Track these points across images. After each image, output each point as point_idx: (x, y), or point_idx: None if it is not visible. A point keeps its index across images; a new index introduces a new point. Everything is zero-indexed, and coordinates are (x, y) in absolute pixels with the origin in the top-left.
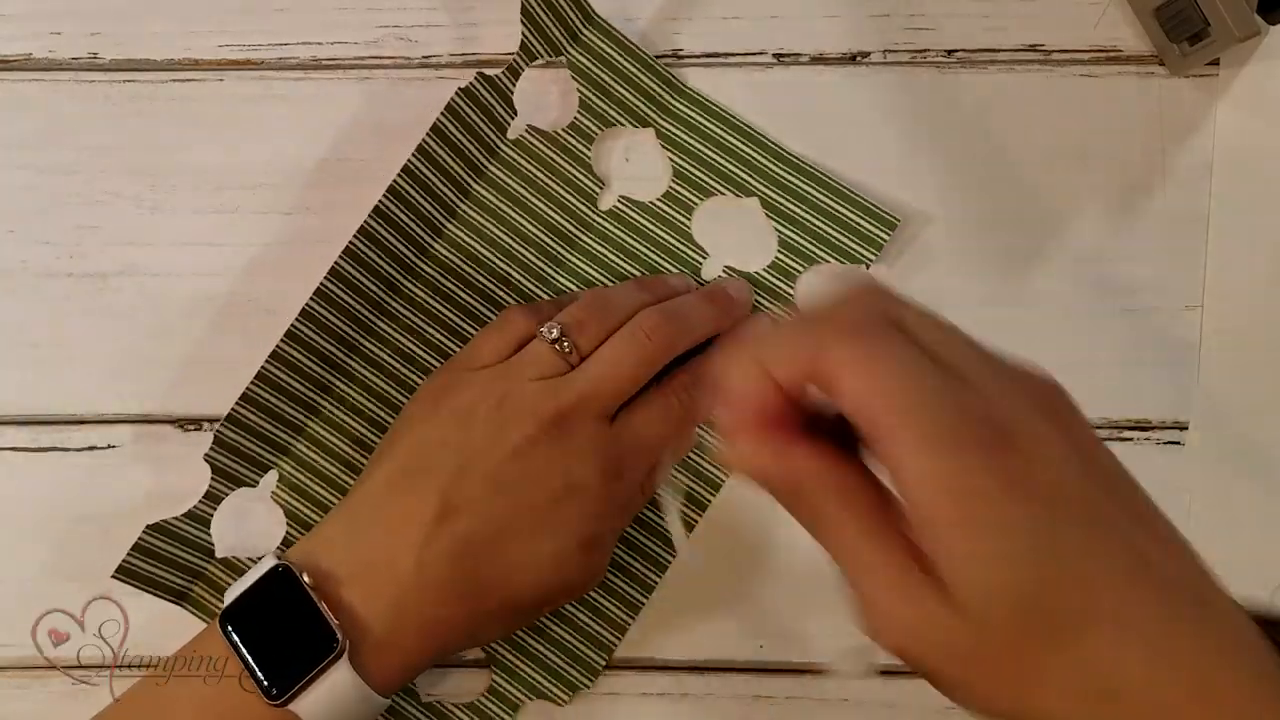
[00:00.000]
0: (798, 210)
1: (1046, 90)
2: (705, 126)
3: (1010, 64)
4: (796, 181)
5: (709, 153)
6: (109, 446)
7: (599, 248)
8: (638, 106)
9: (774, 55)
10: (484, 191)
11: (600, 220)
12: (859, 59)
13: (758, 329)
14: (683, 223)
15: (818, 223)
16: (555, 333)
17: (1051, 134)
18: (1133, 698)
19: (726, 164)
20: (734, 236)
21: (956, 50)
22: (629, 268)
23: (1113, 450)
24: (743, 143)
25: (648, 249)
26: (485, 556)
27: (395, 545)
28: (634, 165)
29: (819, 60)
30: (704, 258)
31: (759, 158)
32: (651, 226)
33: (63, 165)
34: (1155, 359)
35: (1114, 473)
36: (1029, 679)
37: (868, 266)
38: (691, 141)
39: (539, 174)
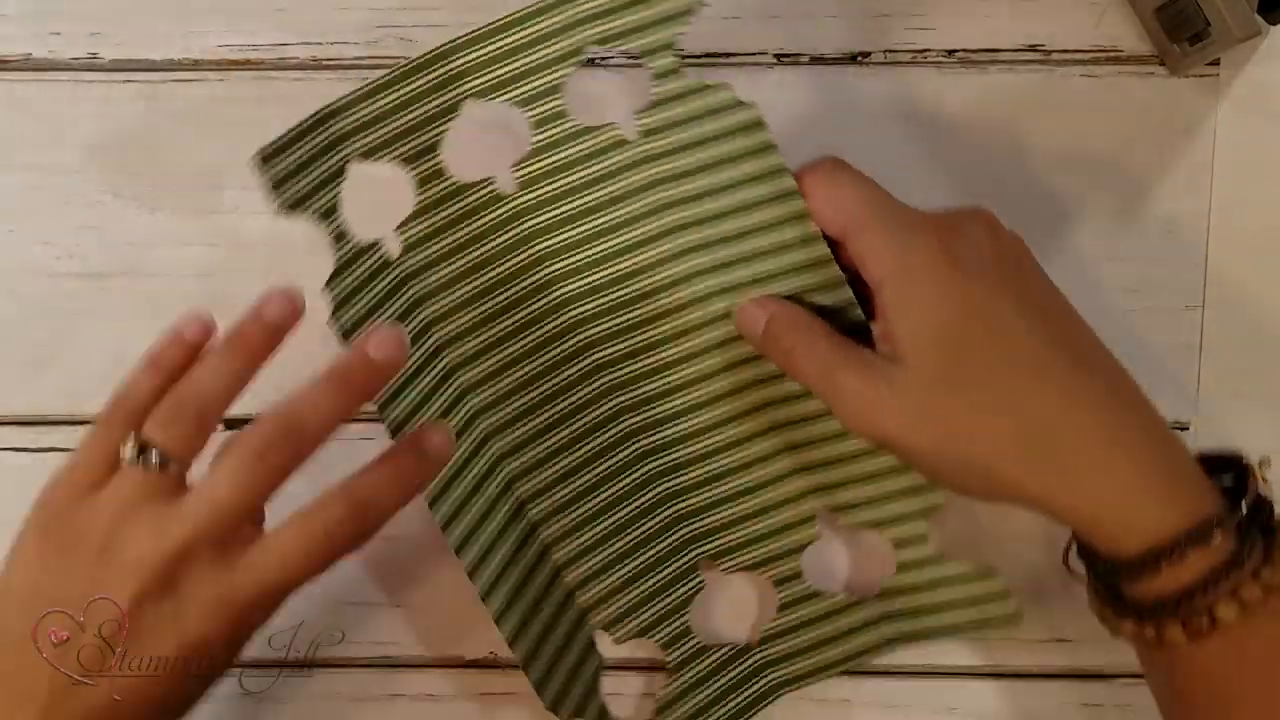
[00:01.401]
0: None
1: (1046, 90)
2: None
3: (1010, 64)
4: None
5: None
6: None
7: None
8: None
9: (774, 55)
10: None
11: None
12: (859, 59)
13: None
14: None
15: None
16: (132, 451)
17: (1051, 134)
18: (1057, 438)
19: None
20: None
21: (956, 50)
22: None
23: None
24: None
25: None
26: None
27: None
28: None
29: (819, 60)
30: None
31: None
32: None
33: (63, 165)
34: (1155, 359)
35: (1044, 287)
36: (964, 419)
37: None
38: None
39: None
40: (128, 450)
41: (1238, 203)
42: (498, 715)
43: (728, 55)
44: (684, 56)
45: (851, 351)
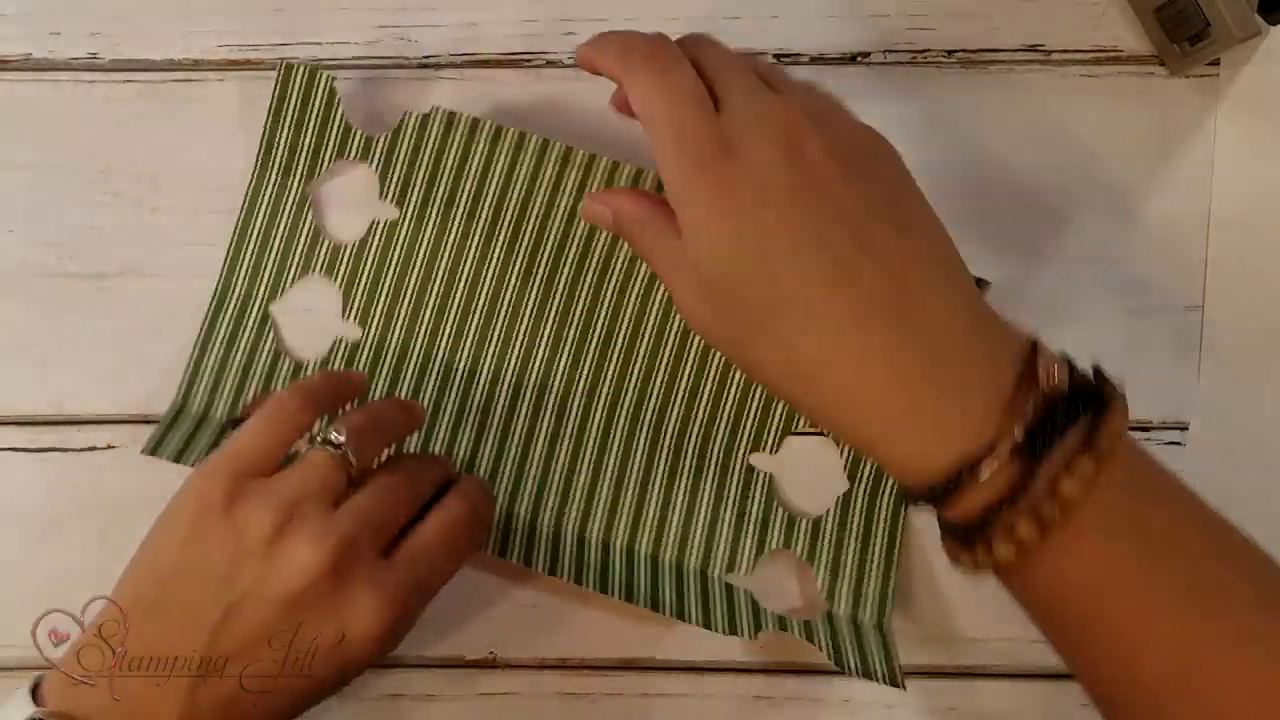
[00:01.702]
0: None
1: (1046, 90)
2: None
3: (1010, 64)
4: None
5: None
6: (109, 446)
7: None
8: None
9: (774, 55)
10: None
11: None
12: (859, 59)
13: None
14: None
15: None
16: (341, 437)
17: (1051, 134)
18: (815, 380)
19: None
20: None
21: (956, 50)
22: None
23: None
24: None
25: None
26: (254, 711)
27: (157, 698)
28: None
29: (819, 60)
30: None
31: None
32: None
33: (63, 165)
34: (1155, 359)
35: (855, 193)
36: (750, 350)
37: None
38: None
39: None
40: (333, 435)
41: (1238, 203)
42: (498, 715)
43: None
44: None
45: (681, 256)
